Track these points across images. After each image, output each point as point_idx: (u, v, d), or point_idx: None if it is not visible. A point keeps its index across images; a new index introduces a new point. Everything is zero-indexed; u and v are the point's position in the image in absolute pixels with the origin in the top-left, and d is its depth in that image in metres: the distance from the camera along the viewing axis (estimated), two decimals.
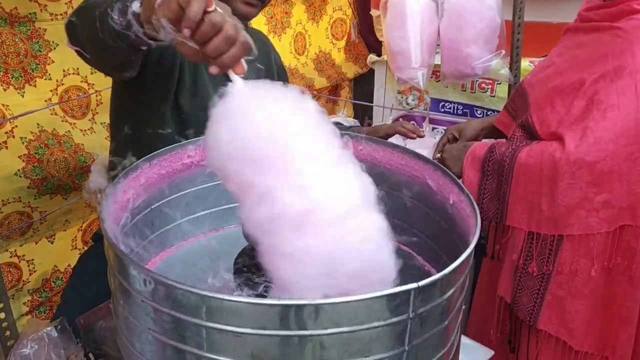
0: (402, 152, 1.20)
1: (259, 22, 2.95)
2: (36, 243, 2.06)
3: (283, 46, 3.10)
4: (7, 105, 1.86)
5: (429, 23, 1.83)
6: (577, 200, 1.33)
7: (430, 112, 2.51)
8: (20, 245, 2.01)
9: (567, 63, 1.42)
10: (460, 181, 1.04)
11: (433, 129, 2.70)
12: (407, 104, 2.78)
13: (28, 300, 2.07)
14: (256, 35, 1.63)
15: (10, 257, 2.00)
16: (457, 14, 1.76)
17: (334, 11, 3.35)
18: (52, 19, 1.94)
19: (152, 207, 1.16)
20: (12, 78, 1.89)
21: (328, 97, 3.29)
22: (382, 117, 2.77)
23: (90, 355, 1.25)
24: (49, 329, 1.07)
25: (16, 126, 1.87)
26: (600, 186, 1.32)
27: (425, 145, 1.96)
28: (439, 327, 0.87)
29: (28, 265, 2.05)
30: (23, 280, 2.04)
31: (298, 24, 3.18)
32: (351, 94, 3.58)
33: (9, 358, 1.04)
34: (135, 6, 0.91)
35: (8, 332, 1.10)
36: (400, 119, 2.78)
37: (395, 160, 1.22)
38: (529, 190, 1.38)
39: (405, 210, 1.17)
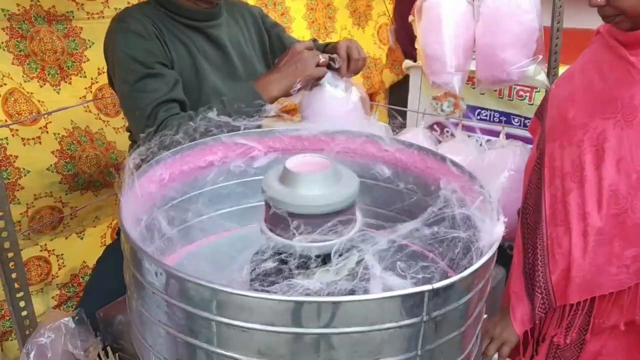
0: (426, 154, 1.18)
1: (300, 26, 2.95)
2: (66, 238, 2.09)
3: None
4: (43, 102, 1.90)
5: (465, 27, 1.79)
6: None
7: (463, 119, 2.47)
8: (51, 240, 2.04)
9: (583, 90, 1.34)
10: (480, 184, 1.01)
11: (468, 136, 2.65)
12: (442, 110, 2.73)
13: (57, 295, 2.10)
14: (236, 5, 1.69)
15: (41, 250, 2.03)
16: (492, 18, 1.71)
17: (378, 16, 3.34)
18: (88, 18, 1.97)
19: (174, 202, 1.16)
20: (49, 75, 1.93)
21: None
22: (415, 123, 2.73)
23: (108, 349, 1.26)
24: (66, 319, 1.08)
25: (50, 122, 1.90)
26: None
27: (459, 150, 1.92)
28: (455, 332, 0.84)
29: (57, 260, 2.08)
30: (52, 275, 2.07)
31: (343, 30, 3.18)
32: (386, 101, 3.56)
33: (26, 346, 1.04)
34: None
35: (27, 321, 1.11)
36: (435, 125, 2.74)
37: (421, 163, 1.20)
38: None
39: (429, 213, 1.13)
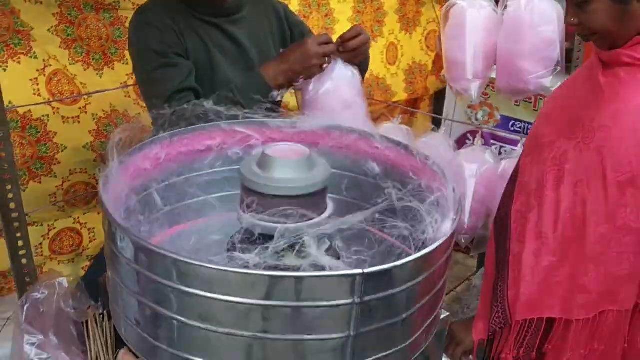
0: (411, 153, 1.21)
1: (344, 28, 2.98)
2: (98, 213, 2.22)
3: (373, 55, 3.09)
4: (85, 84, 2.04)
5: (488, 35, 1.80)
6: None
7: (485, 127, 2.46)
8: (84, 214, 2.18)
9: (559, 109, 1.33)
10: (452, 185, 1.03)
11: (501, 147, 2.65)
12: (477, 119, 2.73)
13: (86, 266, 2.24)
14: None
15: (73, 223, 2.17)
16: (513, 27, 1.72)
17: (427, 23, 3.35)
18: (134, 8, 2.09)
19: (170, 181, 1.23)
20: (93, 60, 2.07)
21: (403, 107, 3.29)
22: (450, 130, 2.73)
23: (105, 313, 1.35)
24: (61, 279, 1.18)
25: (90, 103, 2.04)
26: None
27: (475, 158, 1.93)
28: (395, 319, 0.87)
29: (89, 233, 2.22)
30: (83, 246, 2.21)
31: (390, 34, 3.21)
32: (431, 108, 3.56)
33: (22, 299, 1.15)
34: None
35: (28, 278, 1.22)
36: (468, 134, 2.74)
37: (407, 162, 1.23)
38: None
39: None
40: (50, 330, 1.15)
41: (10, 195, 1.17)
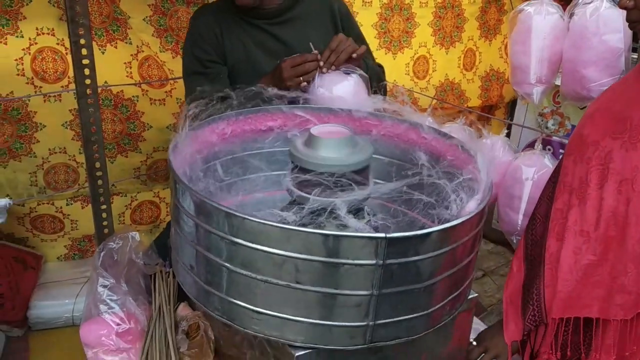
0: (456, 145, 1.28)
1: (424, 32, 3.07)
2: None
3: (450, 59, 3.19)
4: (172, 70, 2.23)
5: (554, 41, 1.83)
6: None
7: (555, 135, 2.46)
8: (163, 189, 2.39)
9: (603, 109, 1.31)
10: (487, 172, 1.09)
11: None
12: (547, 127, 2.73)
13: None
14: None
15: (153, 196, 2.38)
16: (579, 34, 1.74)
17: None
18: None
19: (232, 156, 1.36)
20: (181, 49, 2.25)
21: (473, 112, 3.31)
22: (519, 137, 2.75)
23: (171, 272, 1.50)
24: (133, 233, 1.34)
25: (175, 88, 2.23)
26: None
27: (533, 162, 1.96)
28: (414, 286, 0.95)
29: (166, 207, 2.42)
30: (160, 219, 2.41)
31: (469, 40, 3.25)
32: (507, 116, 3.56)
33: (99, 247, 1.31)
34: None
35: (106, 230, 1.39)
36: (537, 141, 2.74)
37: (451, 153, 1.30)
38: None
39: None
40: (121, 277, 1.31)
41: (97, 156, 1.35)
